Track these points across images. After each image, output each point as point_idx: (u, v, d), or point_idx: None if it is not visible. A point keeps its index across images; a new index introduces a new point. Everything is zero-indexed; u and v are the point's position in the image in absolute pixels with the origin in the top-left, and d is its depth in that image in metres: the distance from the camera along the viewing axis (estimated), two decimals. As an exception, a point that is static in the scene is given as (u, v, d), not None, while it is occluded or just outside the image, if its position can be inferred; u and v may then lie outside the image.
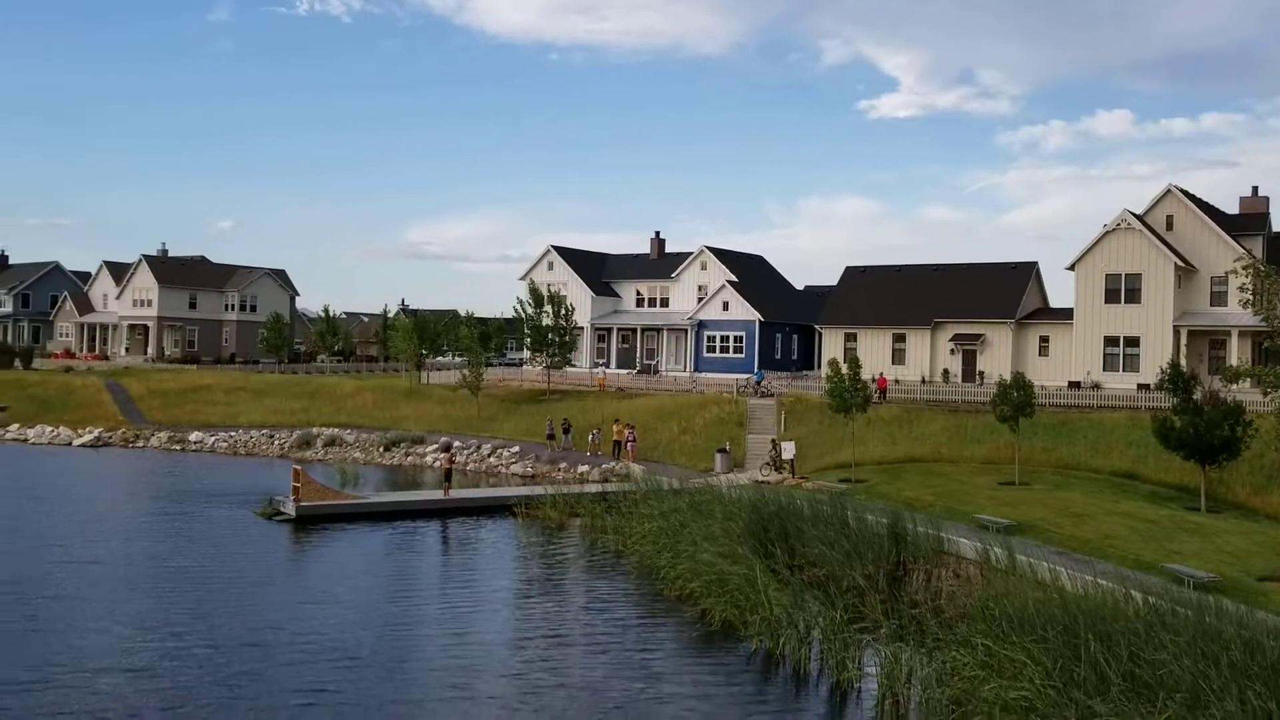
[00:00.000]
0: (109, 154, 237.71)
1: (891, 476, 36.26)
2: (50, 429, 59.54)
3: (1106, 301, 52.90)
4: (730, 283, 68.01)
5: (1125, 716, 14.75)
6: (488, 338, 64.38)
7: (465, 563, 30.43)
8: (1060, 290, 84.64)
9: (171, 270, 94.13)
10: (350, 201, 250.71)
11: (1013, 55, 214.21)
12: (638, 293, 74.13)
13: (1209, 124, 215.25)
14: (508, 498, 38.26)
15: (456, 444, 51.43)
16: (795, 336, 70.03)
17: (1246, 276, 33.23)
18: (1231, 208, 56.93)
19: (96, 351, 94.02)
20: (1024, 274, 59.36)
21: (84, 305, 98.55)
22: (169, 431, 58.59)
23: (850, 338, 60.70)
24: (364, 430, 56.25)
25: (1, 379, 71.97)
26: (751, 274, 71.77)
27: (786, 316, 69.69)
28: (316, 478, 37.50)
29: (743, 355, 66.51)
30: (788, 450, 40.74)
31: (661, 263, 74.92)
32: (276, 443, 55.29)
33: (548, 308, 62.05)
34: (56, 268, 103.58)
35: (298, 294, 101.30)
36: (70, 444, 57.00)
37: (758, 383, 57.05)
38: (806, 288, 79.18)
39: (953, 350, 57.75)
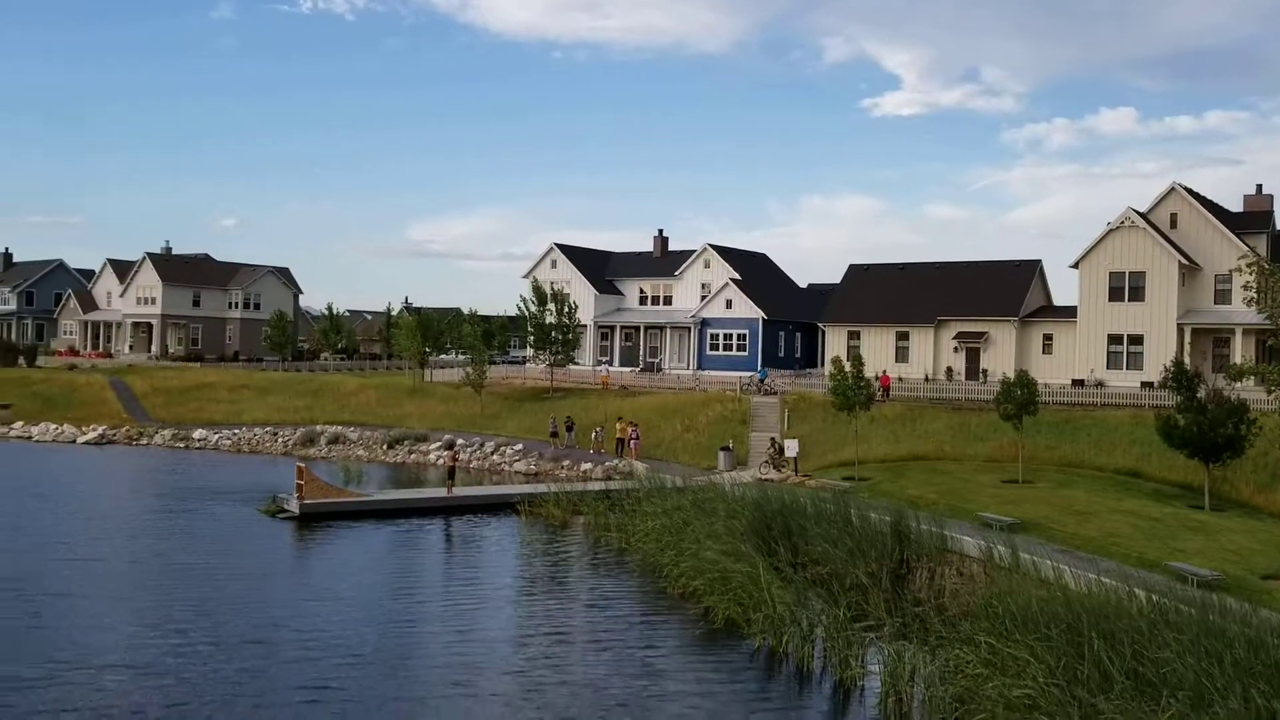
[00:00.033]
0: (113, 152, 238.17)
1: (895, 474, 36.23)
2: (54, 427, 59.65)
3: (1110, 299, 52.83)
4: (733, 281, 67.97)
5: (1129, 715, 14.72)
6: (491, 336, 64.49)
7: (468, 560, 30.47)
8: (1064, 288, 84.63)
9: (175, 268, 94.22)
10: (354, 199, 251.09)
11: (1016, 53, 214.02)
12: (641, 290, 74.11)
13: (1213, 122, 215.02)
14: (511, 495, 38.27)
15: (460, 442, 51.46)
16: (798, 334, 69.99)
17: (1250, 274, 33.26)
18: (1235, 206, 56.86)
19: (100, 349, 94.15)
20: (1027, 272, 59.29)
21: (88, 303, 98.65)
22: (173, 429, 58.68)
23: (853, 336, 60.66)
24: (367, 428, 56.29)
25: (6, 377, 72.11)
26: (754, 272, 71.73)
27: (789, 314, 69.65)
28: (320, 475, 37.56)
29: (746, 353, 66.48)
30: (791, 448, 40.71)
31: (664, 261, 74.91)
32: (280, 440, 55.36)
33: (551, 306, 62.06)
34: (60, 265, 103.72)
35: (301, 292, 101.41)
36: (74, 442, 57.11)
37: (761, 381, 57.02)
38: (809, 286, 79.13)
39: (956, 348, 57.70)
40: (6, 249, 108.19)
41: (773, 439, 42.86)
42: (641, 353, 71.64)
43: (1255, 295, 32.65)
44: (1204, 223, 52.65)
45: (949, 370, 57.30)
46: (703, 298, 69.41)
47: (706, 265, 70.79)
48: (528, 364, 71.00)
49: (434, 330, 71.52)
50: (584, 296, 70.53)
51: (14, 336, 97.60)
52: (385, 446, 52.71)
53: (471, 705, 17.52)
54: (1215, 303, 52.03)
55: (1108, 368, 52.47)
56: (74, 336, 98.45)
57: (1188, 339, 51.06)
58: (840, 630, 19.79)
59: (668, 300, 72.76)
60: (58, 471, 46.05)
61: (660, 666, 19.70)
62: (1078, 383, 51.41)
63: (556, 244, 74.65)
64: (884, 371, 54.24)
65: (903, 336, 59.41)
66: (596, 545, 31.30)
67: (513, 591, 26.00)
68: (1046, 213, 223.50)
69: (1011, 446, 37.16)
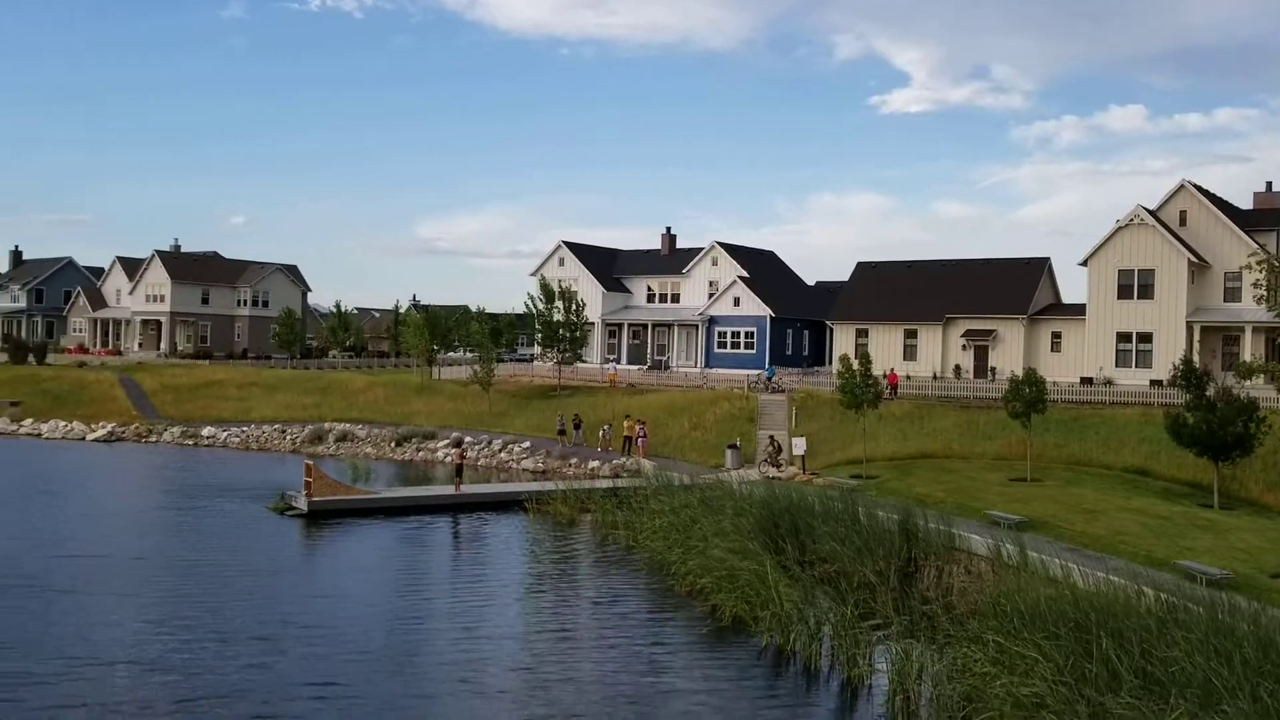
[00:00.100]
0: (121, 150, 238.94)
1: (902, 472, 36.17)
2: (64, 424, 59.85)
3: (1119, 297, 52.70)
4: (741, 278, 67.94)
5: (1137, 713, 14.68)
6: (499, 333, 64.60)
7: (476, 558, 30.50)
8: (1073, 286, 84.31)
9: (184, 266, 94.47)
10: (362, 197, 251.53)
11: (1025, 50, 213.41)
12: (649, 288, 74.14)
13: (1223, 119, 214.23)
14: (519, 493, 38.27)
15: (468, 439, 51.48)
16: (806, 332, 69.94)
17: (1260, 272, 33.19)
18: (1245, 203, 56.66)
19: (110, 347, 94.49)
20: (1036, 270, 59.16)
21: (97, 301, 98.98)
22: (181, 426, 58.84)
23: (862, 333, 60.60)
24: (375, 425, 56.37)
25: (15, 374, 72.42)
26: (762, 270, 71.69)
27: (797, 312, 69.59)
28: (328, 473, 37.62)
29: (754, 351, 66.46)
30: (799, 446, 40.65)
31: (672, 258, 74.91)
32: (288, 438, 55.47)
33: (559, 303, 62.12)
34: (70, 263, 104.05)
35: (310, 289, 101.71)
36: (83, 439, 57.32)
37: (769, 378, 56.97)
38: (817, 283, 79.06)
39: (964, 346, 57.60)
40: (16, 247, 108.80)
41: (771, 437, 42.87)
42: (649, 350, 71.66)
43: (1265, 293, 32.61)
44: (1213, 220, 52.47)
45: (957, 368, 57.19)
46: (710, 295, 69.40)
47: (714, 263, 70.77)
48: (535, 362, 71.04)
49: (442, 328, 71.65)
50: (592, 294, 70.55)
51: (24, 334, 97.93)
52: (393, 444, 52.79)
53: (478, 702, 17.54)
54: (1225, 300, 51.86)
55: (1116, 366, 52.35)
56: (83, 334, 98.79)
57: (1197, 337, 50.90)
58: (848, 628, 19.77)
59: (675, 298, 72.76)
60: (67, 469, 46.21)
61: (667, 664, 19.69)
62: (1086, 381, 51.28)
63: (564, 242, 74.69)
64: (892, 369, 54.19)
65: (911, 334, 59.32)
66: (604, 543, 31.30)
67: (520, 589, 26.01)
68: (1055, 210, 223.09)
69: (1020, 445, 37.08)
